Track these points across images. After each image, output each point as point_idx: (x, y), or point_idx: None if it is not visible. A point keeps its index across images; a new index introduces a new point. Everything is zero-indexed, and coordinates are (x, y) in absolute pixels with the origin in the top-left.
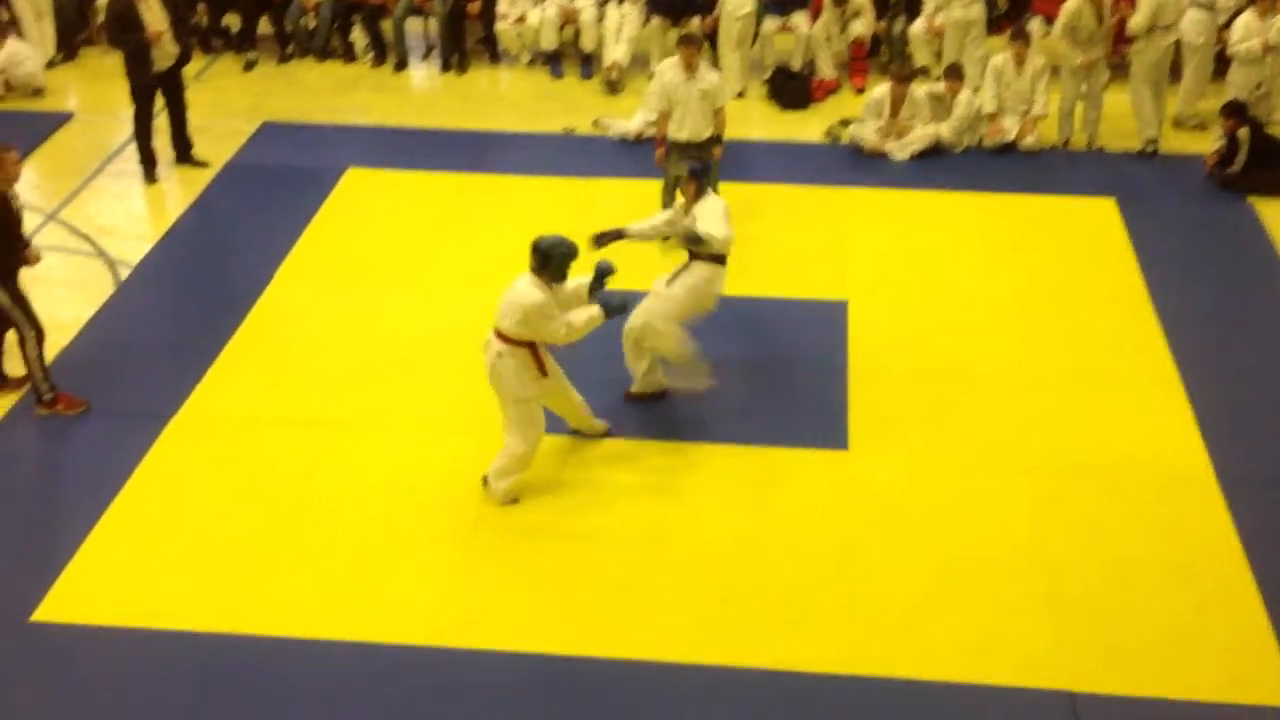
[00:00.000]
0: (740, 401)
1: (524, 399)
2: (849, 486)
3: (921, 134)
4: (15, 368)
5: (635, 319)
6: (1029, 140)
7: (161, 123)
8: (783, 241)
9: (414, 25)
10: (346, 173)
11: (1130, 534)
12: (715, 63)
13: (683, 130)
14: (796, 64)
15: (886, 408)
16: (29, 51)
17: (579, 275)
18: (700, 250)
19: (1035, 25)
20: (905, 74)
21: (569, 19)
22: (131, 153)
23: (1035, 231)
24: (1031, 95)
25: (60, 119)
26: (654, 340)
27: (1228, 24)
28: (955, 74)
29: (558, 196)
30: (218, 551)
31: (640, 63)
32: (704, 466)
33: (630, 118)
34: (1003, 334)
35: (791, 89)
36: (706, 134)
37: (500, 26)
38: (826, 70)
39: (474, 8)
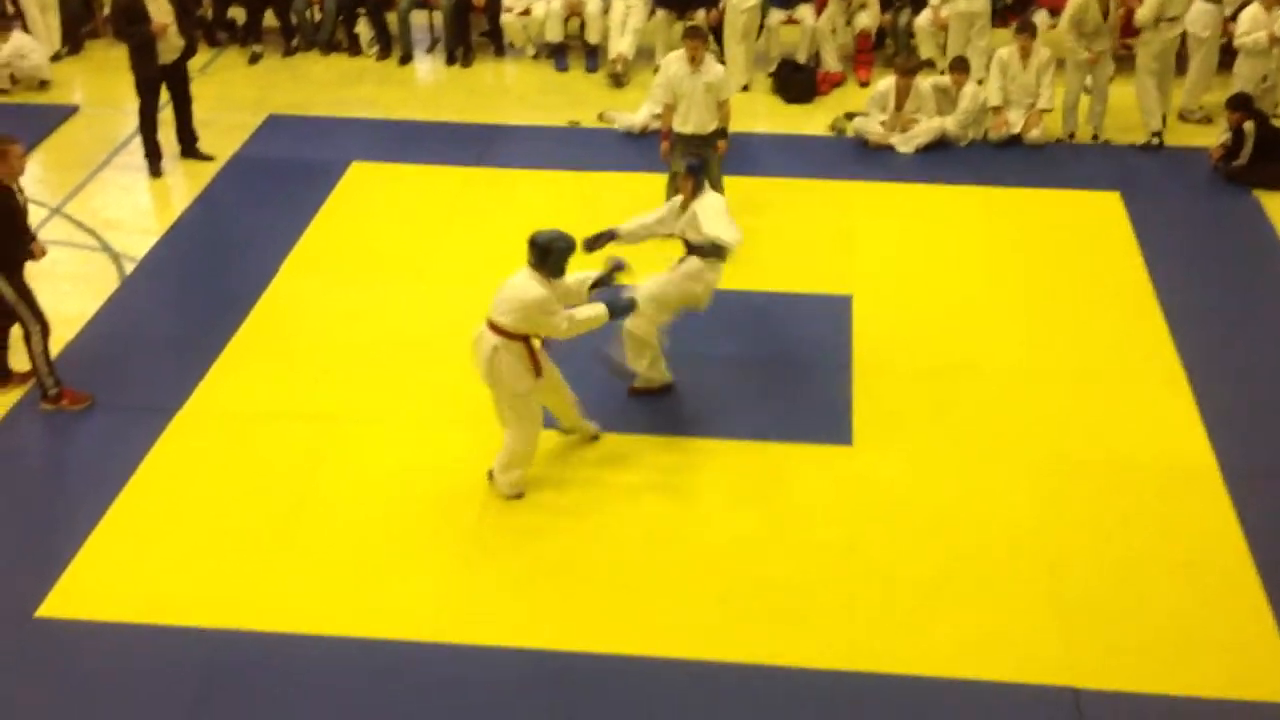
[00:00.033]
0: (744, 396)
1: (522, 393)
2: (853, 482)
3: (926, 127)
4: (20, 362)
5: (633, 319)
6: (1034, 133)
7: (166, 116)
8: (787, 235)
9: (419, 18)
10: (351, 166)
11: (1134, 529)
12: (720, 56)
13: (687, 123)
14: (801, 57)
15: (891, 403)
16: (34, 44)
17: (582, 270)
18: (706, 251)
19: (1041, 18)
20: (910, 67)
21: (574, 11)
22: (137, 146)
23: (1040, 225)
24: (1037, 88)
25: (65, 112)
26: (633, 320)
27: (1234, 16)
28: (960, 67)
29: (563, 190)
30: (222, 547)
31: (645, 55)
32: (707, 462)
33: (635, 111)
34: (1007, 329)
35: (796, 82)
36: (711, 127)
37: (505, 19)
38: (831, 63)
39: (479, 0)
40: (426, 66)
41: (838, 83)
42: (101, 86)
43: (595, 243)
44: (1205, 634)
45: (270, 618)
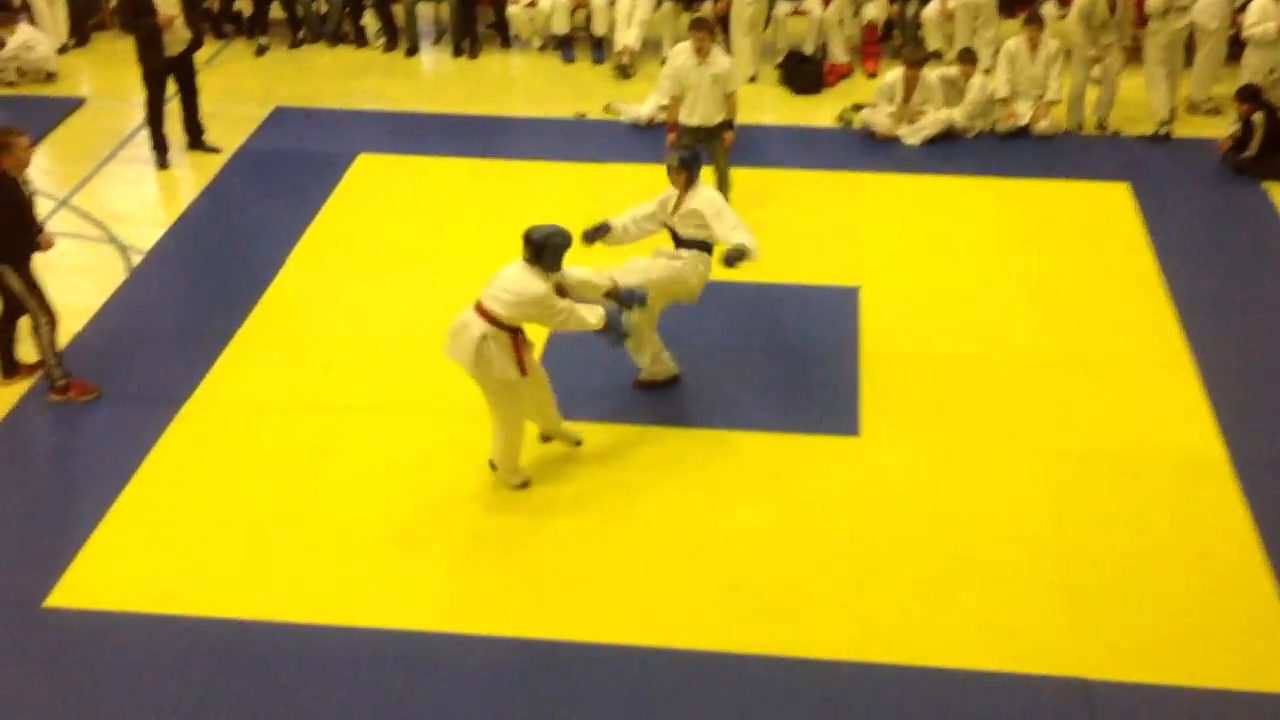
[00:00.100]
0: (751, 388)
1: (511, 380)
2: (860, 473)
3: (934, 119)
4: (28, 354)
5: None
6: (1043, 125)
7: (173, 108)
8: (794, 227)
9: (425, 10)
10: (358, 158)
11: (1144, 520)
12: (727, 47)
13: (694, 115)
14: (809, 48)
15: (898, 394)
16: (41, 37)
17: (580, 266)
18: (700, 246)
19: (1049, 9)
20: (918, 58)
21: (580, 3)
22: (143, 138)
23: (1048, 217)
24: (1045, 80)
25: (72, 104)
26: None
27: (1242, 7)
28: (968, 58)
29: (569, 182)
30: (230, 537)
31: (652, 47)
32: (715, 453)
33: (642, 103)
34: (1016, 320)
35: (804, 73)
36: (718, 119)
37: (511, 10)
38: (839, 54)
39: None
40: (433, 58)
41: (845, 74)
42: (108, 79)
43: (593, 235)
44: (1216, 625)
45: (278, 608)
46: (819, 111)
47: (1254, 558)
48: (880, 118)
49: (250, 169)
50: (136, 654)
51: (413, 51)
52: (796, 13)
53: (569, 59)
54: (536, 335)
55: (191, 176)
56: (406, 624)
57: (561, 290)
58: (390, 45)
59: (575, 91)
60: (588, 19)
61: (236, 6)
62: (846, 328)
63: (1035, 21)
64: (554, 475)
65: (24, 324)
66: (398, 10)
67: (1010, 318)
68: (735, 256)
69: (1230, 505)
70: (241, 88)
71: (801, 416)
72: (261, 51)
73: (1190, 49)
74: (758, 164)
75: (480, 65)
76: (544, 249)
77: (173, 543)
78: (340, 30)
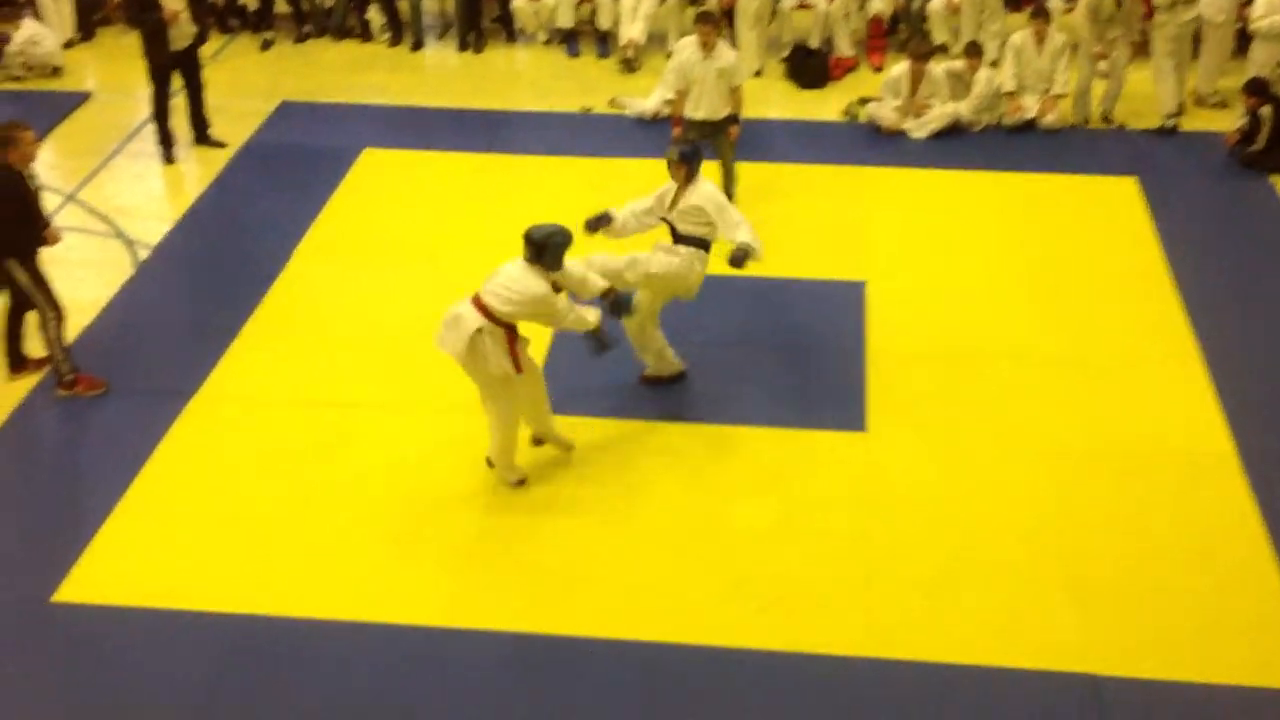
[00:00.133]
0: (757, 383)
1: (506, 376)
2: (867, 469)
3: (940, 112)
4: (36, 349)
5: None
6: (1049, 119)
7: (179, 103)
8: (800, 222)
9: (430, 4)
10: (363, 153)
11: (1152, 516)
12: (733, 41)
13: (699, 109)
14: (814, 42)
15: (905, 389)
16: (46, 32)
17: (581, 256)
18: (698, 242)
19: (1056, 2)
20: (924, 52)
21: None
22: (149, 133)
23: (1055, 211)
24: (1051, 73)
25: (78, 99)
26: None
27: (1250, 1)
28: (974, 51)
29: (574, 176)
30: (236, 532)
31: (657, 41)
32: (721, 448)
33: (647, 97)
34: (1023, 315)
35: (809, 67)
36: (723, 113)
37: (517, 4)
38: (845, 48)
39: None
40: (438, 53)
41: (851, 68)
42: (114, 73)
43: (595, 225)
44: (1224, 621)
45: (284, 602)
46: (825, 106)
47: (1262, 553)
48: (886, 112)
49: (256, 163)
50: (144, 649)
51: (418, 46)
52: (802, 6)
53: (574, 53)
54: (542, 332)
55: (197, 171)
56: (412, 619)
57: (557, 287)
58: (395, 39)
59: (580, 86)
60: (593, 13)
61: (241, 1)
62: (853, 323)
63: (1042, 15)
64: (558, 471)
65: (31, 319)
66: (403, 4)
67: (1017, 313)
68: (741, 256)
69: (1238, 500)
70: (247, 82)
71: (808, 412)
72: (267, 46)
73: (1197, 42)
74: (763, 158)
75: (485, 59)
76: (545, 248)
77: (180, 537)
78: (345, 24)
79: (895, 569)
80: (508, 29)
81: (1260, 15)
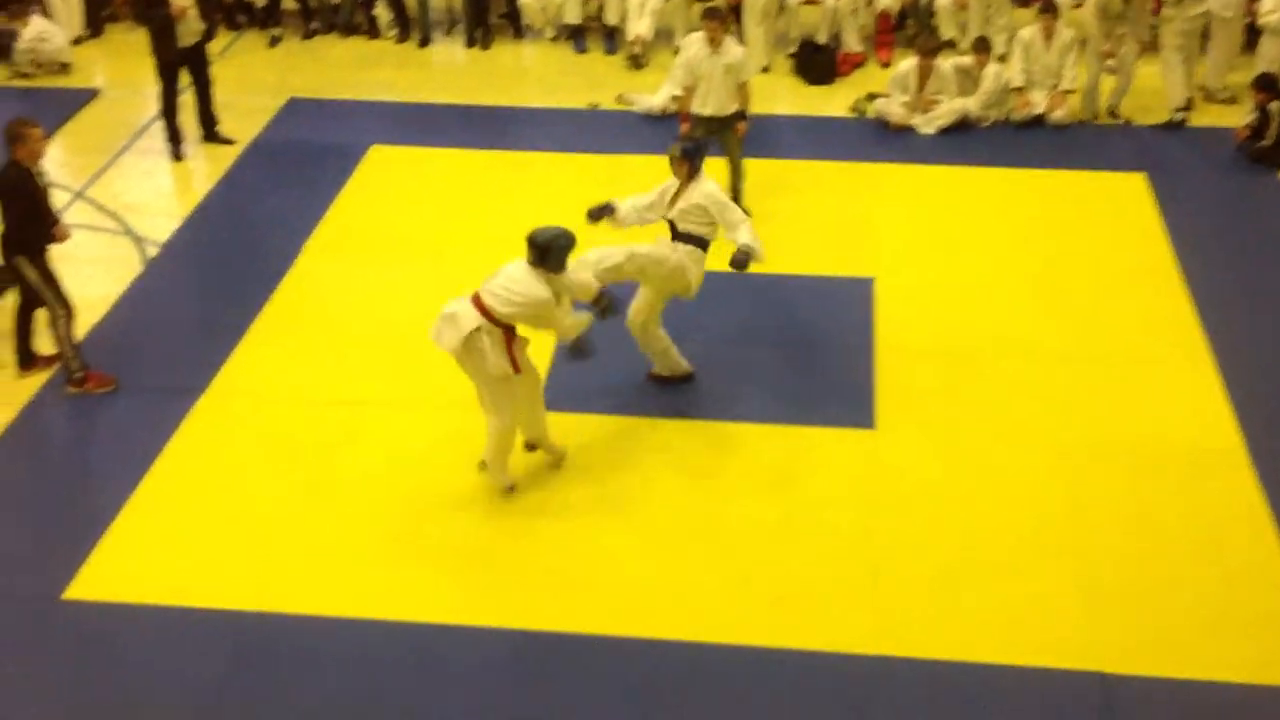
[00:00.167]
0: (766, 380)
1: (505, 376)
2: (876, 465)
3: (948, 108)
4: (45, 346)
5: (631, 310)
6: (1058, 114)
7: (187, 100)
8: (808, 218)
9: (437, 0)
10: (371, 149)
11: (1161, 512)
12: (740, 37)
13: (707, 105)
14: (822, 38)
15: (914, 386)
16: (55, 29)
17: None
18: (698, 240)
19: None
20: (932, 47)
21: None
22: (158, 130)
23: (1064, 207)
24: (1060, 69)
25: (86, 96)
26: (631, 318)
27: None
28: (983, 47)
29: (581, 172)
30: (245, 530)
31: (664, 37)
32: (729, 445)
33: (655, 93)
34: (1032, 311)
35: (817, 63)
36: (731, 109)
37: (524, 1)
38: (852, 44)
39: None
40: (445, 49)
41: (858, 64)
42: (122, 70)
43: (598, 214)
44: (1234, 618)
45: (293, 600)
46: (832, 101)
47: (1271, 550)
48: (894, 107)
49: (264, 160)
50: (154, 646)
51: (425, 42)
52: (809, 2)
53: (581, 49)
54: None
55: (206, 168)
56: (419, 616)
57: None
58: (403, 36)
59: (588, 82)
60: (600, 9)
61: None
62: (861, 319)
63: (1050, 10)
64: (565, 469)
65: (41, 316)
66: (410, 1)
67: (1026, 309)
68: (743, 259)
69: (1247, 496)
70: (255, 79)
71: (816, 409)
72: (275, 43)
73: (1206, 37)
74: (771, 154)
75: (493, 56)
76: (549, 251)
77: (189, 535)
78: (353, 21)
79: (903, 566)
80: (515, 25)
81: (1269, 10)
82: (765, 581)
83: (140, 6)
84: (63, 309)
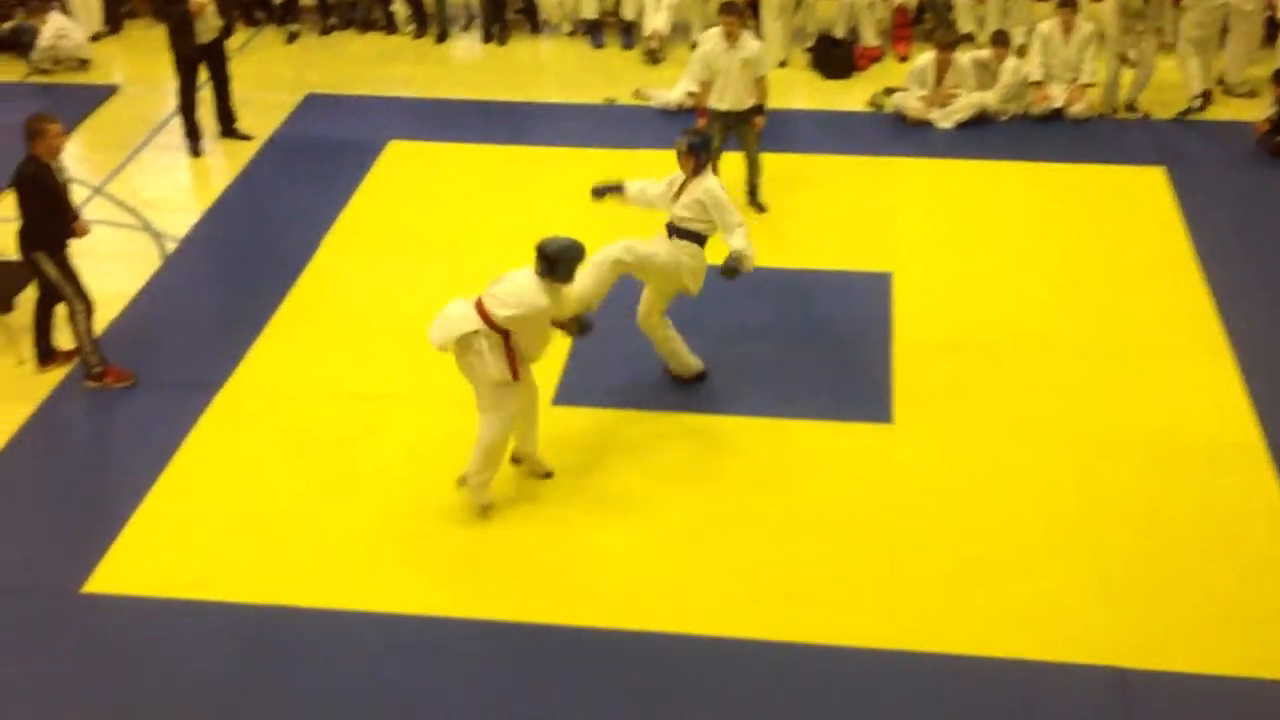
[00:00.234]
0: (783, 374)
1: (503, 383)
2: (892, 460)
3: (966, 102)
4: (65, 341)
5: (639, 308)
6: (1077, 108)
7: (205, 95)
8: (826, 212)
9: None
10: (389, 145)
11: (1180, 507)
12: (758, 31)
13: (724, 100)
14: (840, 32)
15: (931, 380)
16: (74, 25)
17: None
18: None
19: None
20: (949, 41)
21: None
22: (176, 126)
23: (1083, 201)
24: (1079, 63)
25: (105, 92)
26: (640, 318)
27: None
28: (1001, 41)
29: (598, 168)
30: (263, 524)
31: (681, 32)
32: (744, 440)
33: (672, 88)
34: (1050, 305)
35: (835, 57)
36: (748, 104)
37: None
38: (870, 38)
39: None
40: (462, 44)
41: (876, 58)
42: (141, 66)
43: (603, 192)
44: (1251, 612)
45: (311, 593)
46: (850, 96)
47: None
48: (912, 101)
49: (282, 156)
50: (172, 639)
51: (442, 38)
52: None
53: (598, 44)
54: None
55: (224, 164)
56: (437, 610)
57: None
58: (420, 31)
59: (605, 77)
60: (617, 4)
61: None
62: (879, 314)
63: (1069, 4)
64: (579, 461)
65: (60, 311)
66: None
67: (1044, 303)
68: (733, 267)
69: (1266, 490)
70: (273, 75)
71: (834, 403)
72: (292, 38)
73: (1225, 31)
74: (789, 149)
75: (509, 51)
76: (557, 263)
77: (208, 529)
78: (370, 17)
79: (919, 560)
80: (532, 20)
81: None
82: (779, 576)
83: (159, 3)
84: (82, 304)
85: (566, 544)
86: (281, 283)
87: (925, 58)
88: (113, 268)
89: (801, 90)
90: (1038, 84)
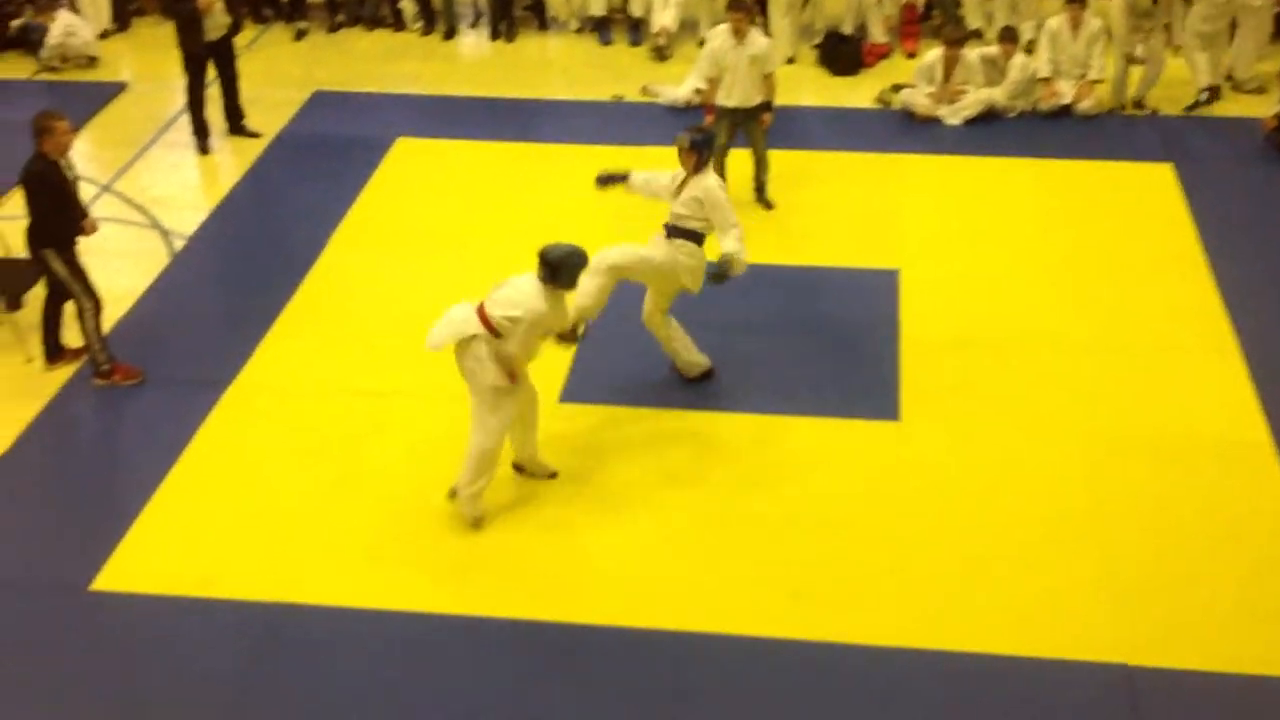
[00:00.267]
0: (790, 372)
1: (500, 388)
2: (899, 457)
3: (975, 99)
4: (73, 339)
5: (644, 308)
6: (1085, 104)
7: (214, 93)
8: (833, 209)
9: None
10: (397, 142)
11: (1187, 505)
12: (765, 28)
13: (732, 97)
14: (847, 28)
15: (939, 378)
16: (82, 23)
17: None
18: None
19: None
20: (957, 37)
21: None
22: (185, 123)
23: (1091, 198)
24: (1087, 59)
25: (114, 89)
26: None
27: None
28: (1009, 37)
29: (606, 164)
30: (271, 521)
31: (689, 28)
32: (752, 437)
33: (679, 84)
34: (1057, 302)
35: (842, 54)
36: (756, 100)
37: None
38: (878, 34)
39: None
40: (470, 41)
41: (884, 54)
42: (149, 64)
43: (608, 181)
44: (1260, 610)
45: (319, 591)
46: (858, 92)
47: None
48: (920, 98)
49: (290, 153)
50: (180, 637)
51: (450, 34)
52: None
53: (606, 41)
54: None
55: (232, 161)
56: (441, 607)
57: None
58: (428, 28)
59: (612, 74)
60: (624, 1)
61: None
62: (886, 311)
63: (1077, 0)
64: (584, 459)
65: (69, 309)
66: None
67: (1052, 300)
68: (721, 272)
69: (1274, 488)
70: (281, 72)
71: (841, 401)
72: (300, 36)
73: (1234, 27)
74: (796, 146)
75: (517, 48)
76: (560, 269)
77: (216, 527)
78: (378, 14)
79: (926, 558)
80: (540, 17)
81: None
82: (786, 573)
83: (167, 0)
84: (90, 302)
85: (571, 542)
86: (289, 280)
87: (933, 54)
88: (121, 265)
89: (809, 87)
90: (1046, 80)
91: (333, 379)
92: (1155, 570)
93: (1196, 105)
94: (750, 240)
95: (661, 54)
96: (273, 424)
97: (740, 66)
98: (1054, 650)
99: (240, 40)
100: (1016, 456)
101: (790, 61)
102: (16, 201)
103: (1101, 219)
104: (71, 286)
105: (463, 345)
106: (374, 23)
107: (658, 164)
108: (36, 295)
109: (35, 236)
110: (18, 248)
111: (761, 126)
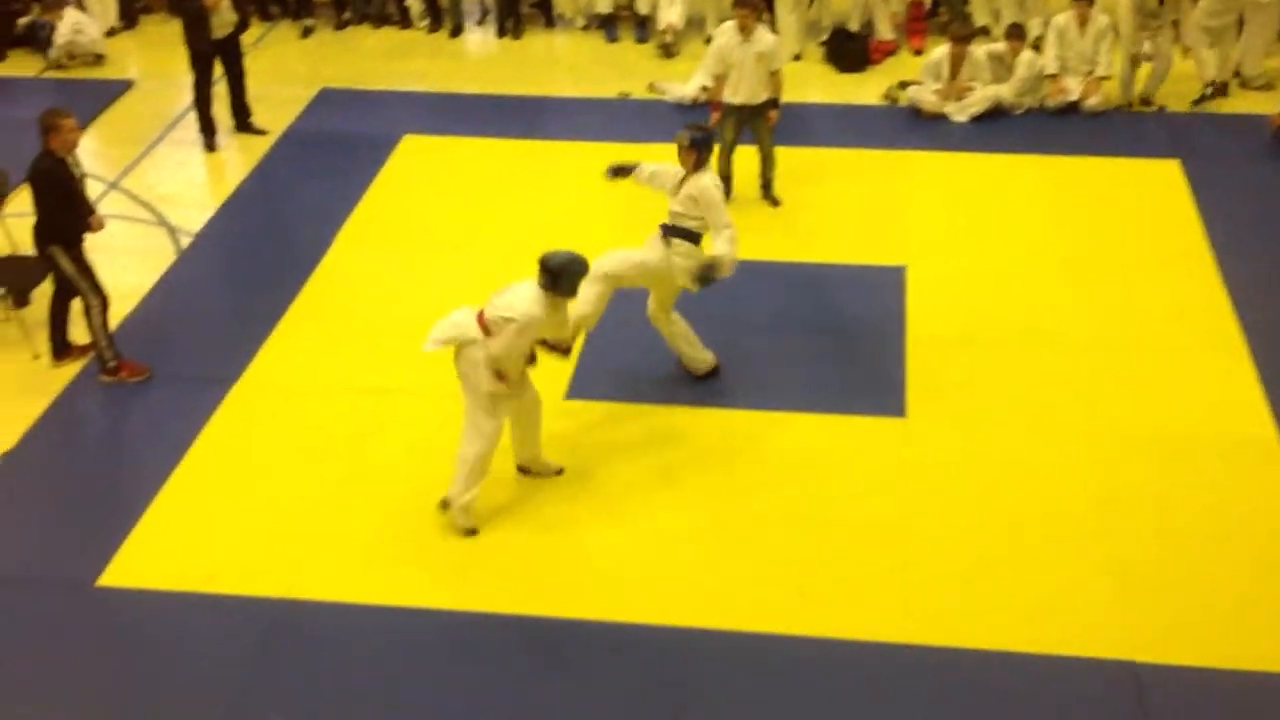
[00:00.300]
0: (797, 368)
1: (496, 394)
2: (906, 454)
3: (982, 95)
4: (80, 336)
5: (648, 306)
6: (1093, 101)
7: (220, 91)
8: (840, 206)
9: None
10: (403, 139)
11: (1195, 502)
12: (772, 25)
13: (738, 94)
14: (854, 25)
15: (945, 374)
16: (89, 20)
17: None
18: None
19: None
20: (964, 34)
21: None
22: (191, 121)
23: (1098, 194)
24: (1095, 55)
25: (121, 87)
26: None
27: None
28: (1016, 33)
29: (613, 162)
30: (278, 518)
31: (696, 26)
32: (758, 434)
33: (686, 82)
34: (1064, 299)
35: (849, 51)
36: (763, 97)
37: None
38: (885, 31)
39: None
40: (477, 39)
41: (891, 51)
42: (156, 61)
43: (618, 172)
44: (1267, 608)
45: (324, 587)
46: (865, 89)
47: None
48: (927, 95)
49: (297, 151)
50: (186, 633)
51: (457, 32)
52: None
53: (613, 38)
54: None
55: (239, 158)
56: (446, 604)
57: None
58: (434, 26)
59: (619, 71)
60: None
61: None
62: (893, 308)
63: None
64: (590, 455)
65: (75, 306)
66: None
67: (1059, 297)
68: (708, 275)
69: None
70: (288, 69)
71: (847, 398)
72: (307, 33)
73: (1242, 24)
74: (803, 143)
75: (524, 45)
76: (561, 276)
77: (222, 523)
78: (385, 11)
79: (933, 555)
80: (546, 14)
81: None
82: (793, 570)
83: None
84: (97, 299)
85: (577, 538)
86: (296, 277)
87: (940, 51)
88: (128, 262)
89: (816, 84)
90: (1053, 77)
91: (338, 377)
92: (1162, 567)
93: (1202, 100)
94: (756, 237)
95: (668, 51)
96: (278, 421)
97: (747, 63)
98: (1060, 647)
99: (247, 38)
100: (1023, 453)
101: (797, 58)
102: (24, 199)
103: (1109, 216)
104: (79, 283)
105: (460, 350)
106: (380, 20)
107: (663, 160)
108: (43, 292)
109: (42, 234)
110: (25, 245)
111: (768, 123)
